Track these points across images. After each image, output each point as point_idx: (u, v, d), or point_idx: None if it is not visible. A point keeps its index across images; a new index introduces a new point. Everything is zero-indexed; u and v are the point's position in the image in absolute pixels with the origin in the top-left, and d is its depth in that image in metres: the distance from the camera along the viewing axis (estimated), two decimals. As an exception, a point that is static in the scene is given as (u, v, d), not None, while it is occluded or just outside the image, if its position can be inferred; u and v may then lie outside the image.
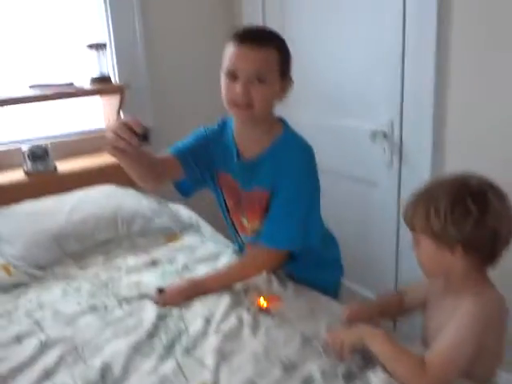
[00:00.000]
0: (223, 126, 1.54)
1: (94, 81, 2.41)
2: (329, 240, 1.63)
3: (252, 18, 2.61)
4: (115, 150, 1.22)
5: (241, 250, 1.70)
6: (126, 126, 1.18)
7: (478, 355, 1.08)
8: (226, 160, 1.50)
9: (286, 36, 1.41)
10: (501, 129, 1.77)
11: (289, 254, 1.51)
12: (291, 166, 1.40)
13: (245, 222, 1.53)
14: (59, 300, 1.53)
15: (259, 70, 1.31)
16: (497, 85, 1.76)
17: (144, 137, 1.19)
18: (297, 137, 1.45)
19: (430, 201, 1.09)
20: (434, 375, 1.06)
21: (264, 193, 1.44)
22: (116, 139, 1.18)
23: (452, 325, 1.08)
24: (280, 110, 1.49)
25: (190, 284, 1.48)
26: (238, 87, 1.32)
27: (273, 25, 2.49)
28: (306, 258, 1.53)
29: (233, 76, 1.33)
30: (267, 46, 1.32)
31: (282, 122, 1.48)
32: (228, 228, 1.67)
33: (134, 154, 1.26)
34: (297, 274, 1.56)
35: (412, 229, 1.15)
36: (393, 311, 1.38)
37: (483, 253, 1.09)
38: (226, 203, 1.58)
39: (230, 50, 1.34)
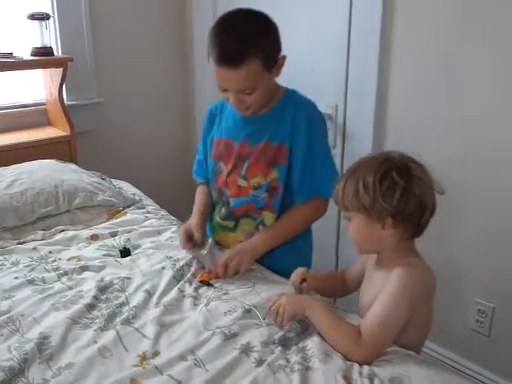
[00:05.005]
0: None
1: (36, 51, 2.31)
2: None
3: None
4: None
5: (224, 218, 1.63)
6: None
7: (409, 324, 1.12)
8: (226, 125, 1.55)
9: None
10: (436, 113, 1.87)
11: None
12: (312, 121, 1.46)
13: (242, 182, 1.52)
14: (-5, 274, 1.49)
15: (244, 87, 1.34)
16: (437, 72, 1.85)
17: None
18: (300, 95, 1.51)
19: (358, 178, 1.13)
20: (369, 344, 1.10)
21: (274, 146, 1.46)
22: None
23: (383, 294, 1.12)
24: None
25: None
26: (231, 98, 1.37)
27: (220, 4, 2.49)
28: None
29: (223, 89, 1.37)
30: (245, 60, 1.29)
31: (282, 87, 1.52)
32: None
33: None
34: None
35: (343, 208, 1.19)
36: (338, 287, 1.40)
37: (412, 223, 1.14)
38: (215, 174, 1.58)
39: (212, 65, 1.34)
